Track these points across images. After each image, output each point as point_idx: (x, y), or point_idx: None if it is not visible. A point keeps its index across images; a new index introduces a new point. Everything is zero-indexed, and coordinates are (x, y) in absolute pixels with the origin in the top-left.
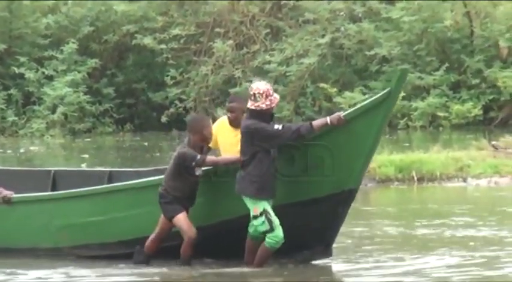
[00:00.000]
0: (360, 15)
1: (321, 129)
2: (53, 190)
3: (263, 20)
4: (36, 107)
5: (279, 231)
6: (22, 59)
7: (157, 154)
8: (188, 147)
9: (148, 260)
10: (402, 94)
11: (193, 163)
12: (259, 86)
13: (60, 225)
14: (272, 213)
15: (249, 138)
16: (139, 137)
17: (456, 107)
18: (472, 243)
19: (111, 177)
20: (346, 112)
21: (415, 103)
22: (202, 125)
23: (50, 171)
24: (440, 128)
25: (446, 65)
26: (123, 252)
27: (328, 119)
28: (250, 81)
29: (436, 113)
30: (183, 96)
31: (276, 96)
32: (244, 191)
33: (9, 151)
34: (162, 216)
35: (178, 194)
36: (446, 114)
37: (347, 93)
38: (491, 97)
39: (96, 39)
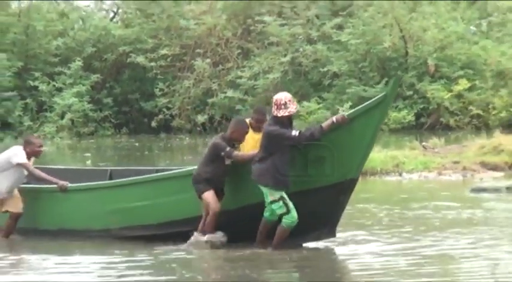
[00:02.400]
0: (315, 38)
1: (329, 128)
2: None
3: (235, 42)
4: (48, 114)
5: (294, 213)
6: (36, 74)
7: (146, 152)
8: (221, 139)
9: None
10: (349, 104)
11: (222, 153)
12: (285, 94)
13: (109, 209)
14: (287, 198)
15: (271, 141)
16: (134, 139)
17: (394, 114)
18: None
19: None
20: (349, 112)
21: None
22: (233, 129)
23: (107, 170)
24: (381, 132)
25: (386, 79)
26: (162, 233)
27: (334, 118)
28: (225, 93)
29: None
30: (170, 105)
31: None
32: (262, 181)
33: None
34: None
35: (209, 176)
36: (386, 120)
37: (305, 103)
38: (421, 106)
39: (97, 58)
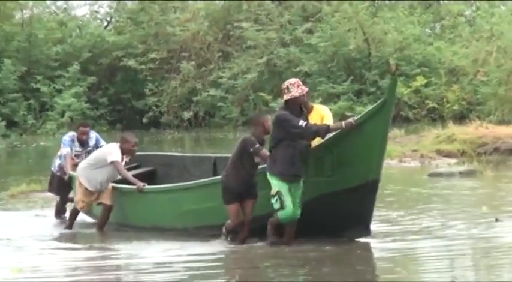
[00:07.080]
0: (288, 42)
1: (336, 130)
2: (214, 173)
3: (217, 46)
4: (49, 113)
5: (289, 209)
6: (38, 78)
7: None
8: (252, 136)
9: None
10: (320, 99)
11: (252, 149)
12: (290, 80)
13: (184, 210)
14: (285, 195)
15: (278, 125)
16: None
17: (359, 109)
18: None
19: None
20: (356, 118)
21: (329, 106)
22: (263, 119)
23: (211, 157)
24: None
25: (351, 77)
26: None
27: (343, 123)
28: (208, 92)
29: (345, 113)
30: (159, 103)
31: (305, 88)
32: (268, 168)
33: (24, 146)
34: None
35: (235, 183)
36: (352, 114)
37: (279, 100)
38: None
39: (93, 62)
